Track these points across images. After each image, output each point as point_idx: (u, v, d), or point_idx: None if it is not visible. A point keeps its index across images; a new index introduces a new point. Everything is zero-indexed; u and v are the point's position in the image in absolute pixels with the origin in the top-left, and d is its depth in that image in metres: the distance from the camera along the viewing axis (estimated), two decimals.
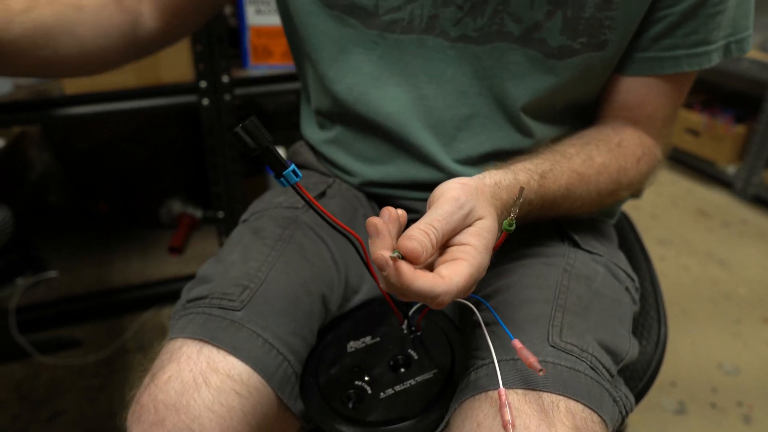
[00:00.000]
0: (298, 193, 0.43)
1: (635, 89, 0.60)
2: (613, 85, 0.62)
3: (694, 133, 2.22)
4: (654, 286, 0.79)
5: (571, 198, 0.55)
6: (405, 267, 0.38)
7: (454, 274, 0.39)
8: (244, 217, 0.67)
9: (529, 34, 0.55)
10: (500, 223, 0.44)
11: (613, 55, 0.58)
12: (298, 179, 0.42)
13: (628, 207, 2.36)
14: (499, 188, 0.47)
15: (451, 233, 0.41)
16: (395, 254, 0.38)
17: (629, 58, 0.59)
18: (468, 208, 0.42)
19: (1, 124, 1.42)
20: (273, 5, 1.24)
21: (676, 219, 2.01)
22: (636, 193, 0.65)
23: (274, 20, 1.25)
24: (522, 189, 0.42)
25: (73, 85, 1.20)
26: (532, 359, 0.40)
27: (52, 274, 1.54)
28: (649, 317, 0.74)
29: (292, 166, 0.42)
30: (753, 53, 2.01)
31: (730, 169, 2.13)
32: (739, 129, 2.09)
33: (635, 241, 0.88)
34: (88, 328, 1.44)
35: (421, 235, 0.39)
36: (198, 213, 1.73)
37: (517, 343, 0.42)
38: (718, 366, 1.36)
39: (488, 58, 0.57)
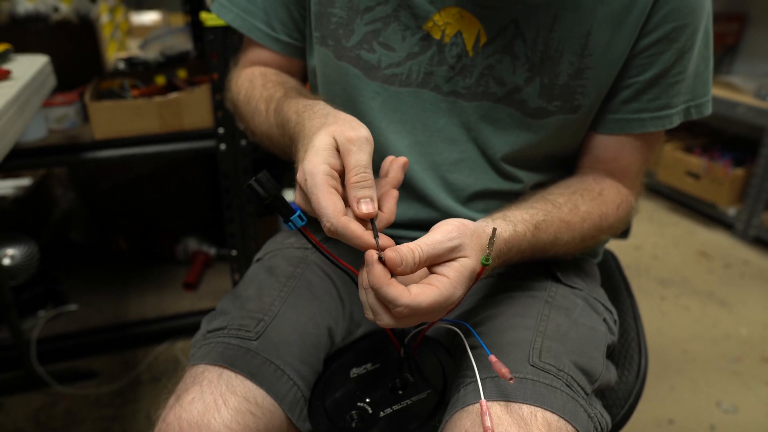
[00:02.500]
0: (304, 236, 0.50)
1: (609, 145, 0.68)
2: (590, 141, 0.69)
3: (694, 176, 2.28)
4: (636, 321, 0.84)
5: (558, 244, 0.61)
6: (381, 271, 0.45)
7: (421, 294, 0.45)
8: (258, 256, 0.74)
9: (510, 96, 0.63)
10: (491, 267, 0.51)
11: (586, 117, 0.66)
12: (303, 223, 0.49)
13: (630, 247, 2.37)
14: (497, 238, 0.53)
15: (435, 259, 0.47)
16: (378, 256, 0.46)
17: (602, 119, 0.67)
18: (457, 242, 0.48)
19: (35, 166, 1.51)
20: None
21: (678, 260, 2.04)
22: (614, 235, 0.71)
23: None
24: (495, 230, 0.48)
25: (102, 131, 1.30)
26: (504, 370, 0.47)
27: (72, 307, 1.60)
28: (631, 349, 0.79)
29: (298, 212, 0.49)
30: (750, 100, 2.09)
31: (731, 211, 2.18)
32: (738, 172, 2.15)
33: (620, 278, 0.93)
34: (105, 359, 1.50)
35: (406, 250, 0.46)
36: (212, 251, 1.80)
37: (492, 357, 0.49)
38: (716, 405, 1.38)
39: (474, 113, 0.65)
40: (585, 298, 0.66)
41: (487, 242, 0.49)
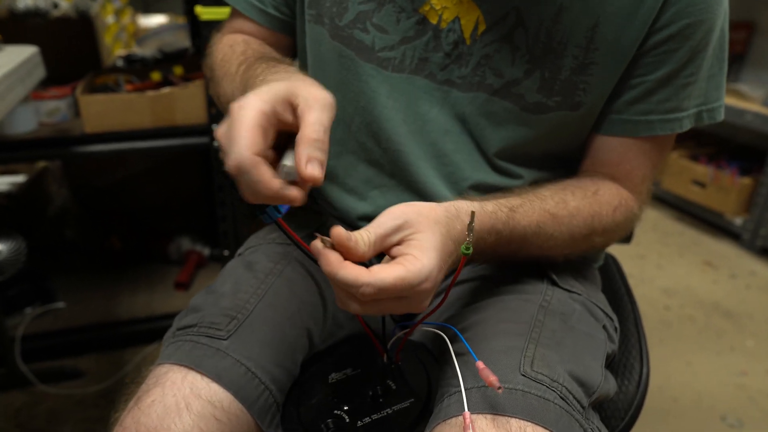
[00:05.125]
0: (281, 229, 0.46)
1: (613, 148, 0.64)
2: (593, 143, 0.65)
3: (700, 184, 2.24)
4: (638, 327, 0.80)
5: (543, 236, 0.57)
6: (333, 256, 0.42)
7: (382, 270, 0.42)
8: (239, 250, 0.70)
9: (507, 89, 0.60)
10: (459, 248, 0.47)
11: (587, 115, 0.62)
12: (280, 215, 0.45)
13: (634, 255, 2.34)
14: (458, 212, 0.50)
15: (384, 239, 0.45)
16: (327, 244, 0.42)
17: (607, 119, 0.63)
18: (402, 219, 0.45)
19: (23, 159, 1.49)
20: None
21: (683, 269, 2.00)
22: (612, 241, 0.67)
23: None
24: (473, 213, 0.44)
25: (92, 124, 1.27)
26: (492, 378, 0.42)
27: (60, 305, 1.57)
28: (631, 357, 0.75)
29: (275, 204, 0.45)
30: (758, 107, 2.05)
31: (738, 221, 2.13)
32: (745, 181, 2.10)
33: (621, 283, 0.89)
34: (91, 359, 1.46)
35: (356, 232, 0.44)
36: (206, 250, 1.77)
37: (479, 364, 0.44)
38: (721, 419, 1.33)
39: (469, 105, 0.61)
40: (583, 303, 0.62)
41: (466, 228, 0.45)
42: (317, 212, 0.73)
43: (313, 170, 0.42)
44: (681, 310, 1.75)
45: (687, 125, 0.61)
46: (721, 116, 0.63)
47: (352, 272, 0.41)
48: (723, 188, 2.16)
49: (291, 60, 0.73)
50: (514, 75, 0.59)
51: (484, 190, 0.64)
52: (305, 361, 0.61)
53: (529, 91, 0.59)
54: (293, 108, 0.44)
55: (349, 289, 0.42)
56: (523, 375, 0.49)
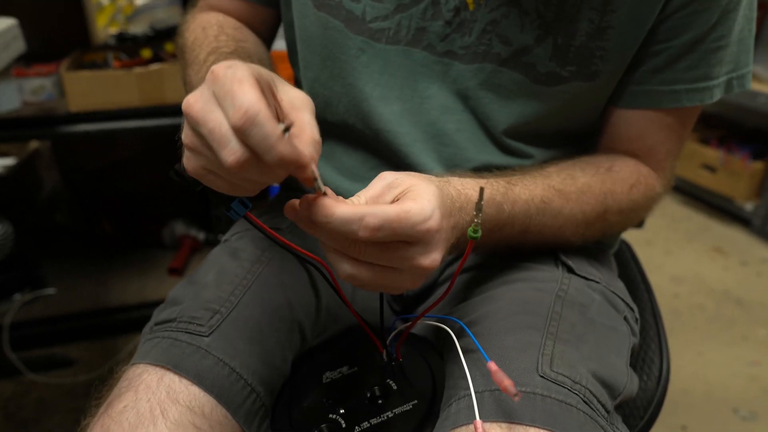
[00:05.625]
0: (251, 223, 0.41)
1: (634, 122, 0.58)
2: (610, 117, 0.59)
3: (710, 168, 2.18)
4: (656, 318, 0.75)
5: (550, 213, 0.52)
6: (328, 200, 0.37)
7: (383, 205, 0.38)
8: (225, 236, 0.64)
9: (516, 58, 0.54)
10: (464, 230, 0.43)
11: (604, 86, 0.56)
12: (247, 209, 0.40)
13: (641, 241, 2.29)
14: (450, 181, 0.45)
15: (375, 199, 0.40)
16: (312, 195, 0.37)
17: (626, 90, 0.57)
18: (392, 178, 0.41)
19: (5, 139, 1.43)
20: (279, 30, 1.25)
21: (691, 256, 1.94)
22: (630, 223, 0.62)
23: (279, 45, 1.25)
24: (482, 189, 0.38)
25: (77, 103, 1.21)
26: (507, 382, 0.37)
27: (50, 291, 1.53)
28: (650, 351, 0.70)
29: (240, 196, 0.40)
30: None
31: (748, 206, 2.07)
32: (757, 165, 2.04)
33: (636, 271, 0.84)
34: (82, 347, 1.42)
35: (347, 199, 0.39)
36: (200, 235, 1.72)
37: (492, 365, 0.39)
38: (733, 411, 1.29)
39: (473, 78, 0.55)
40: (602, 292, 0.56)
41: (475, 206, 0.39)
42: (306, 191, 0.67)
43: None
44: (690, 299, 1.70)
45: (717, 95, 0.55)
46: (749, 83, 0.57)
47: (350, 207, 0.36)
48: (733, 173, 2.10)
49: (269, 59, 0.66)
50: (524, 42, 0.53)
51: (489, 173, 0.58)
52: (297, 359, 0.55)
53: (540, 60, 0.53)
54: (275, 99, 0.37)
55: (349, 227, 0.36)
56: (541, 376, 0.43)
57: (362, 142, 0.61)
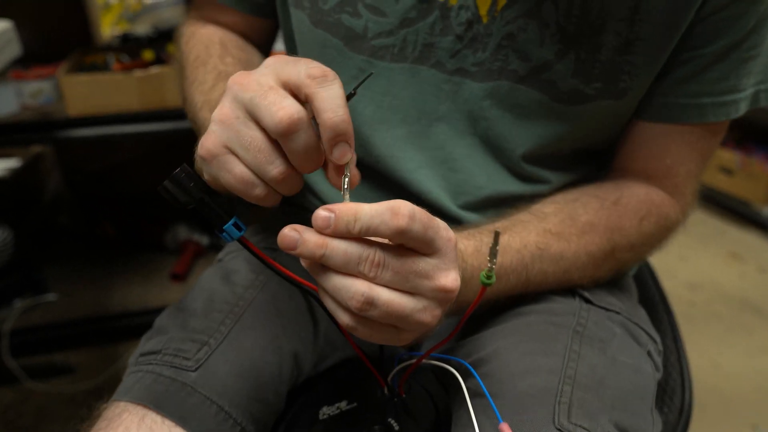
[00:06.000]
0: (246, 248, 0.38)
1: (653, 137, 0.54)
2: (628, 131, 0.55)
3: (727, 171, 2.12)
4: (677, 344, 0.70)
5: (549, 259, 0.48)
6: (346, 203, 0.33)
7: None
8: (220, 255, 0.61)
9: (535, 75, 0.49)
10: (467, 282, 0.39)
11: (633, 103, 0.52)
12: (241, 233, 0.37)
13: None
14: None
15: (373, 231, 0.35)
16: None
17: (648, 102, 0.53)
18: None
19: (3, 144, 1.41)
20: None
21: (707, 262, 1.89)
22: (645, 257, 0.57)
23: (278, 47, 1.22)
24: (497, 233, 0.34)
25: (76, 107, 1.18)
26: None
27: (51, 297, 1.50)
28: (671, 380, 0.65)
29: (234, 219, 0.36)
30: None
31: (766, 210, 2.01)
32: None
33: (655, 290, 0.79)
34: (83, 353, 1.40)
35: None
36: (204, 240, 1.69)
37: (504, 427, 0.35)
38: (753, 428, 1.24)
39: (487, 98, 0.51)
40: (623, 324, 0.52)
41: (489, 250, 0.35)
42: (307, 209, 0.63)
43: (342, 154, 0.36)
44: (707, 306, 1.65)
45: (743, 109, 0.51)
46: None
47: (376, 204, 0.33)
48: (751, 175, 2.04)
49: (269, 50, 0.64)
50: (544, 57, 0.48)
51: (501, 203, 0.54)
52: (293, 390, 0.52)
53: (562, 77, 0.49)
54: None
55: (381, 218, 0.32)
56: (558, 429, 0.39)
57: (363, 168, 0.57)
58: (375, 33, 0.51)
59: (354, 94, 0.37)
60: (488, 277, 0.35)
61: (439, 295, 0.34)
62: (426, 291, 0.33)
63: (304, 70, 0.34)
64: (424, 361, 0.53)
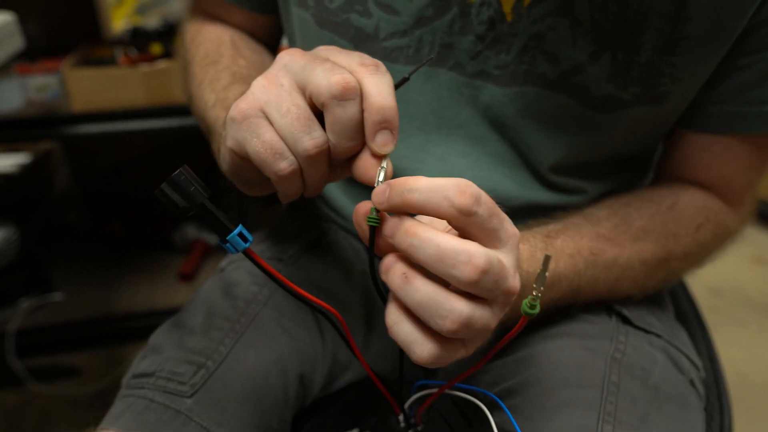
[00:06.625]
0: (252, 261, 0.33)
1: (708, 147, 0.49)
2: (679, 141, 0.51)
3: None
4: (713, 364, 0.65)
5: (602, 265, 0.44)
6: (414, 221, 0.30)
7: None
8: (221, 264, 0.57)
9: (566, 79, 0.44)
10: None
11: (675, 109, 0.47)
12: (247, 244, 0.32)
13: None
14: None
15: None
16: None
17: (701, 111, 0.48)
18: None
19: (4, 140, 1.38)
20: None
21: (730, 266, 1.82)
22: (696, 267, 0.53)
23: (285, 42, 1.18)
24: (548, 257, 0.30)
25: (81, 102, 1.15)
26: None
27: (57, 296, 1.48)
28: (709, 405, 0.60)
29: (239, 228, 0.32)
30: None
31: None
32: None
33: (687, 303, 0.74)
34: (89, 355, 1.38)
35: None
36: (213, 239, 1.66)
37: None
38: None
39: (512, 104, 0.46)
40: (665, 350, 0.47)
41: (537, 276, 0.30)
42: (316, 216, 0.59)
43: (385, 142, 0.33)
44: (730, 312, 1.59)
45: None
46: None
47: (456, 242, 0.28)
48: None
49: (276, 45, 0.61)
50: (576, 59, 0.43)
51: (534, 213, 0.49)
52: (299, 414, 0.47)
53: (595, 81, 0.44)
54: None
55: (449, 267, 0.27)
56: None
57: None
58: (387, 33, 0.46)
59: (408, 78, 0.36)
60: (531, 307, 0.30)
61: (504, 299, 0.30)
62: (498, 293, 0.29)
63: (357, 58, 0.33)
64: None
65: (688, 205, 0.49)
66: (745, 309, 1.60)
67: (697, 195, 0.50)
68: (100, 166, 1.65)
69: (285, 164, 0.32)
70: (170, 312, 1.56)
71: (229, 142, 0.35)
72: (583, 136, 0.47)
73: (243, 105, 0.33)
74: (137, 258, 1.66)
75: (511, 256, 0.30)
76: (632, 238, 0.46)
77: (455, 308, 0.28)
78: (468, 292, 0.28)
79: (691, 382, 0.47)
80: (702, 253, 0.50)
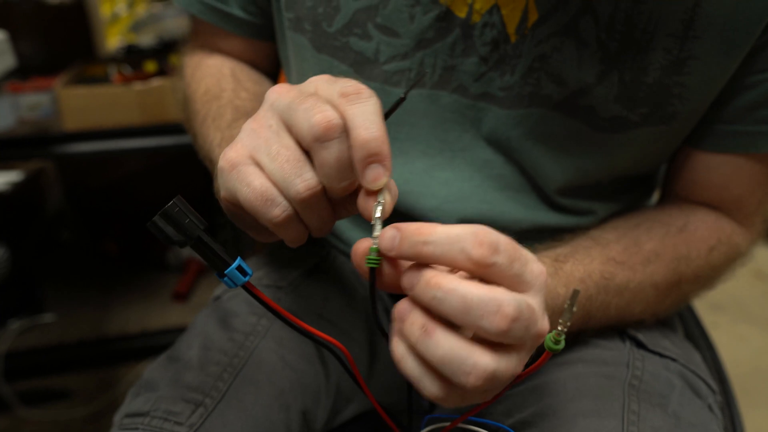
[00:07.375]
0: (252, 295, 0.31)
1: (718, 167, 0.48)
2: (687, 161, 0.50)
3: None
4: (724, 385, 0.63)
5: (614, 290, 0.43)
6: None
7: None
8: (216, 292, 0.55)
9: (572, 100, 0.43)
10: None
11: (683, 129, 0.46)
12: (247, 278, 0.31)
13: None
14: None
15: None
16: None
17: (710, 131, 0.47)
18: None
19: (1, 158, 1.36)
20: None
21: (730, 281, 1.81)
22: (706, 290, 0.52)
23: None
24: (576, 291, 0.29)
25: (73, 121, 1.13)
26: None
27: (48, 317, 1.45)
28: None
29: (238, 261, 0.30)
30: None
31: None
32: None
33: (692, 320, 0.72)
34: (80, 377, 1.34)
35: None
36: None
37: None
38: None
39: (517, 127, 0.45)
40: (682, 375, 0.46)
41: (564, 310, 0.28)
42: (316, 243, 0.57)
43: (376, 176, 0.30)
44: (731, 328, 1.58)
45: None
46: None
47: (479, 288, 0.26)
48: None
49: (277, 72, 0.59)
50: (582, 80, 0.42)
51: (541, 236, 0.48)
52: None
53: (602, 103, 0.43)
54: None
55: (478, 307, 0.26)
56: None
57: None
58: (388, 56, 0.45)
59: (404, 98, 0.34)
60: (556, 342, 0.28)
61: (533, 342, 0.28)
62: (527, 338, 0.27)
63: (338, 88, 0.31)
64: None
65: (699, 226, 0.48)
66: (746, 324, 1.59)
67: (707, 216, 0.49)
68: (93, 184, 1.63)
69: (278, 210, 0.30)
70: (163, 332, 1.53)
71: (222, 193, 0.33)
72: (589, 157, 0.46)
73: (231, 153, 0.31)
74: (131, 277, 1.64)
75: (539, 297, 0.28)
76: (643, 261, 0.44)
77: (479, 363, 0.26)
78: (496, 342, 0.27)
79: (710, 407, 0.45)
80: (713, 275, 0.49)
